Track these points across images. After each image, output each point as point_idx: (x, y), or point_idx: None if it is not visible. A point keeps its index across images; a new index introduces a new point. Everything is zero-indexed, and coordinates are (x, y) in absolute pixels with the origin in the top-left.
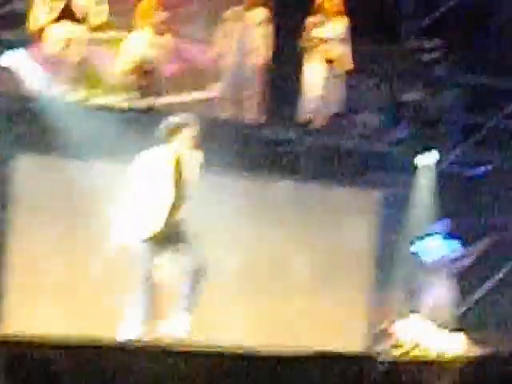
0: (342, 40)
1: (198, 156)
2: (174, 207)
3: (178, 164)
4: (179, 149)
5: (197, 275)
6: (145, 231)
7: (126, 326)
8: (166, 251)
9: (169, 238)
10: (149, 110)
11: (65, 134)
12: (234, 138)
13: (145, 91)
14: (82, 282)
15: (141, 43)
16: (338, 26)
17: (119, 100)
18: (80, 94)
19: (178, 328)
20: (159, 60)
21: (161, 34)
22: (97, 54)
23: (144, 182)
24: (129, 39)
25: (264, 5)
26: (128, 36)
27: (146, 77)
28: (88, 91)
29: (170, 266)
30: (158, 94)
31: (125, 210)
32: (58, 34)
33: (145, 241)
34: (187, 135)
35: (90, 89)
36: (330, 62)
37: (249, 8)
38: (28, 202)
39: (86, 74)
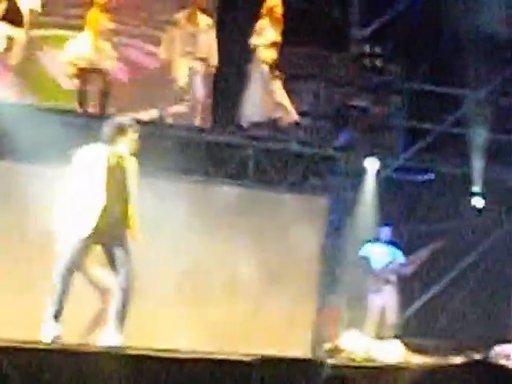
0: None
1: (134, 161)
2: (108, 209)
3: (117, 166)
4: (120, 151)
5: (127, 287)
6: (79, 230)
7: (47, 325)
8: (102, 253)
9: (104, 239)
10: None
11: (13, 137)
12: (180, 143)
13: (89, 96)
14: (32, 282)
15: (84, 46)
16: (278, 31)
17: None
18: (28, 96)
19: (111, 341)
20: (104, 65)
21: (107, 39)
22: (46, 56)
23: (81, 181)
24: (72, 41)
25: (206, 11)
26: (72, 38)
27: (89, 81)
28: (37, 94)
29: (103, 272)
30: (105, 99)
31: (64, 209)
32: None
33: (79, 240)
34: (130, 138)
35: (38, 91)
36: (271, 66)
37: (193, 14)
38: None
39: (33, 77)
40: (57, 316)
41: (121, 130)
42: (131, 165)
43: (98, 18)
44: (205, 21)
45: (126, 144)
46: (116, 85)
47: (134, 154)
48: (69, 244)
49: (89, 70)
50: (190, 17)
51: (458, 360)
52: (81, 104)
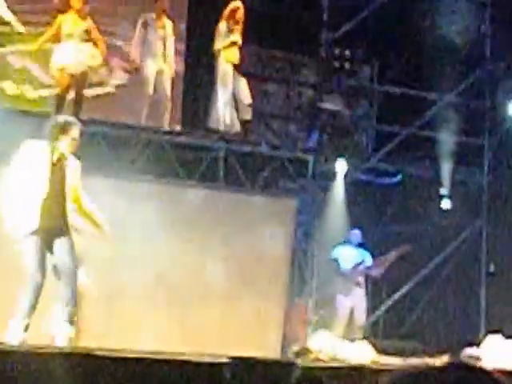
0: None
1: (75, 160)
2: (49, 205)
3: (57, 163)
4: (62, 149)
5: (70, 276)
6: (25, 226)
7: (13, 325)
8: (49, 249)
9: (51, 235)
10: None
11: None
12: (149, 145)
13: (62, 100)
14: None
15: (68, 52)
16: (238, 32)
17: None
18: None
19: (61, 336)
20: (85, 68)
21: (85, 41)
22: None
23: (23, 177)
24: (55, 50)
25: (168, 16)
26: (52, 46)
27: (68, 85)
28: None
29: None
30: (77, 101)
31: (9, 203)
32: None
33: (27, 236)
34: (72, 137)
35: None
36: (235, 66)
37: (161, 17)
38: None
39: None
40: (29, 316)
41: (63, 128)
42: (72, 163)
43: (71, 22)
44: (170, 25)
45: (68, 142)
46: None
47: (74, 153)
48: (22, 244)
49: (70, 75)
50: (158, 20)
51: (427, 361)
52: (59, 108)
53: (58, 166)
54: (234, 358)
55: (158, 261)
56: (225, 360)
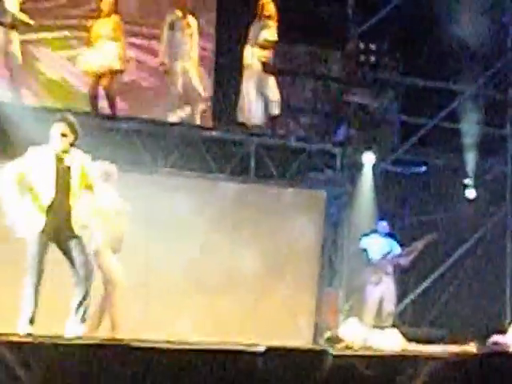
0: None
1: (83, 156)
2: (57, 204)
3: (60, 162)
4: (53, 146)
5: (86, 279)
6: (33, 225)
7: (21, 319)
8: (59, 247)
9: (60, 233)
10: (107, 117)
11: (19, 137)
12: (182, 140)
13: (95, 99)
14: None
15: (98, 52)
16: (271, 30)
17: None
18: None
19: (75, 332)
20: (116, 68)
21: (112, 40)
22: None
23: (31, 178)
24: (86, 49)
25: (193, 14)
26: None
27: (101, 84)
28: (44, 96)
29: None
30: (110, 100)
31: (18, 203)
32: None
33: (35, 234)
34: (60, 133)
35: (46, 94)
36: (264, 63)
37: (185, 16)
38: None
39: (37, 79)
40: (31, 321)
41: (53, 127)
42: (75, 158)
43: (106, 23)
44: (195, 23)
45: (60, 140)
46: (124, 85)
47: (73, 145)
48: (27, 243)
49: (103, 74)
50: (184, 19)
51: (455, 349)
52: (94, 106)
53: (60, 166)
54: (267, 347)
55: (192, 252)
56: (258, 349)
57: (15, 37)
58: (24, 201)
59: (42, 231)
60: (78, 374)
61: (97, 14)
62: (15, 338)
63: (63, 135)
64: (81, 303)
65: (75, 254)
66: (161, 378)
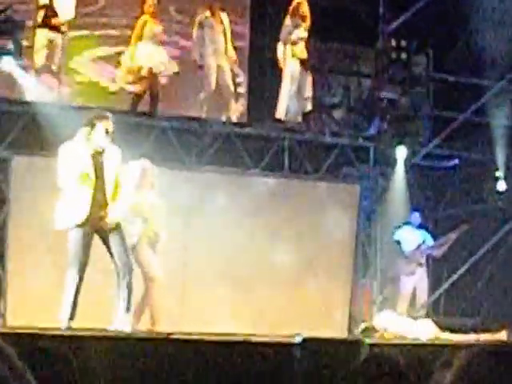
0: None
1: (117, 151)
2: (97, 197)
3: (96, 157)
4: (97, 143)
5: (127, 271)
6: (74, 219)
7: (64, 312)
8: (101, 239)
9: (100, 226)
10: (145, 115)
11: (59, 135)
12: (217, 137)
13: (140, 98)
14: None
15: (142, 54)
16: (304, 27)
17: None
18: (74, 98)
19: (120, 327)
20: (157, 69)
21: (158, 44)
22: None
23: (71, 172)
24: (130, 50)
25: (223, 10)
26: (127, 48)
27: (143, 85)
28: (83, 96)
29: (153, 260)
30: (156, 100)
31: (63, 197)
32: (41, 41)
33: (76, 227)
34: (103, 129)
35: (84, 94)
36: (302, 61)
37: (217, 13)
38: (25, 201)
39: (77, 80)
40: (71, 317)
41: (93, 123)
42: (111, 155)
43: (148, 25)
44: (226, 18)
45: (100, 135)
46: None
47: (109, 144)
48: (69, 238)
49: (144, 76)
50: (215, 16)
51: (487, 337)
52: (134, 106)
53: (98, 161)
54: (303, 338)
55: (227, 246)
56: (295, 340)
57: (58, 38)
58: (66, 194)
59: (84, 224)
60: (122, 367)
61: (139, 14)
62: (57, 332)
63: (107, 132)
64: (125, 293)
65: (114, 245)
66: (201, 369)
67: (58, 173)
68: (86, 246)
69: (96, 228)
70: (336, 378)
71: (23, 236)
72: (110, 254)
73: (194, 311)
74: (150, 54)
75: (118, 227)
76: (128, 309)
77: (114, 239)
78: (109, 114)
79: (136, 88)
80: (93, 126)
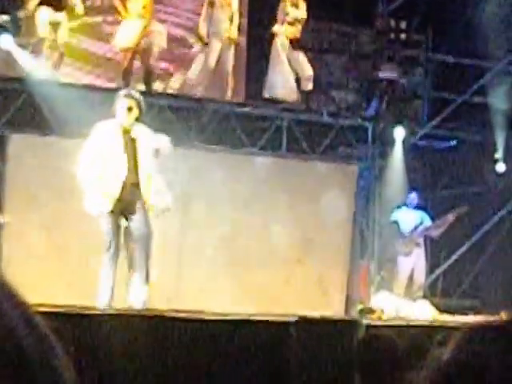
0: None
1: (147, 131)
2: (128, 179)
3: (126, 137)
4: (125, 123)
5: (145, 242)
6: (104, 201)
7: (100, 293)
8: (126, 220)
9: (127, 206)
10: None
11: (57, 113)
12: (216, 116)
13: (133, 75)
14: (74, 253)
15: (134, 29)
16: (300, 8)
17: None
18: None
19: (136, 299)
20: (152, 45)
21: (142, 17)
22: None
23: (100, 154)
24: (123, 25)
25: None
26: (121, 23)
27: (133, 59)
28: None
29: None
30: (151, 78)
31: (89, 180)
32: (43, 19)
33: (106, 210)
34: (123, 107)
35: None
36: (296, 40)
37: None
38: (22, 179)
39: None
40: (110, 299)
41: (119, 102)
42: (139, 134)
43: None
44: (235, 1)
45: (126, 115)
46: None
47: (138, 120)
48: (101, 222)
49: (137, 51)
50: None
51: (486, 319)
52: (125, 83)
53: (127, 140)
54: (299, 317)
55: (224, 226)
56: (290, 319)
57: (59, 16)
58: (97, 177)
59: (114, 208)
60: (116, 345)
61: None
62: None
63: (129, 109)
64: (141, 268)
65: (136, 221)
66: (196, 347)
67: (83, 154)
68: (117, 230)
69: (125, 209)
70: (332, 357)
71: (19, 213)
72: (130, 230)
73: (190, 289)
74: (131, 31)
75: (142, 205)
76: (145, 284)
77: (137, 217)
78: (133, 92)
79: (124, 64)
80: (117, 103)
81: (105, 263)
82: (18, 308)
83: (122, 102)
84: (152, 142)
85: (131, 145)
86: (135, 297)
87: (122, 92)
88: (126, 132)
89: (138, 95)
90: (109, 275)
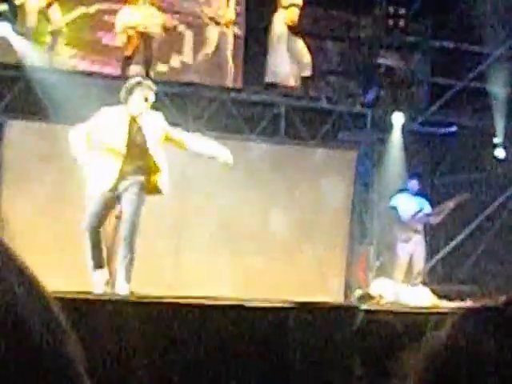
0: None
1: (158, 117)
2: (130, 162)
3: (132, 124)
4: (133, 109)
5: (130, 237)
6: (102, 184)
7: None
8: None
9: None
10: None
11: (54, 100)
12: (213, 102)
13: (133, 60)
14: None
15: (134, 14)
16: None
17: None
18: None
19: (119, 288)
20: (151, 30)
21: (154, 5)
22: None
23: (102, 138)
24: (123, 11)
25: None
26: (120, 8)
27: (136, 46)
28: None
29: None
30: (150, 63)
31: (91, 163)
32: (33, 7)
33: (101, 194)
34: (140, 96)
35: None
36: (294, 26)
37: None
38: (18, 166)
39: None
40: (101, 266)
41: (130, 90)
42: (149, 120)
43: None
44: None
45: (136, 103)
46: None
47: (150, 108)
48: (93, 198)
49: (137, 37)
50: None
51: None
52: (123, 69)
53: (134, 128)
54: (298, 303)
55: (222, 212)
56: (289, 305)
57: (55, 6)
58: (95, 159)
59: (111, 189)
60: (115, 331)
61: None
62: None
63: (146, 99)
64: (124, 262)
65: (127, 205)
66: (194, 333)
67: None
68: (107, 212)
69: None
70: (331, 343)
71: (16, 198)
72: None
73: (188, 275)
74: (144, 16)
75: (140, 190)
76: (129, 278)
77: (128, 199)
78: (150, 82)
79: (126, 51)
80: (131, 91)
81: (89, 244)
82: (34, 294)
83: (139, 92)
84: (161, 128)
85: (139, 133)
86: (117, 289)
87: (137, 81)
88: (134, 120)
89: (153, 86)
90: (96, 257)
